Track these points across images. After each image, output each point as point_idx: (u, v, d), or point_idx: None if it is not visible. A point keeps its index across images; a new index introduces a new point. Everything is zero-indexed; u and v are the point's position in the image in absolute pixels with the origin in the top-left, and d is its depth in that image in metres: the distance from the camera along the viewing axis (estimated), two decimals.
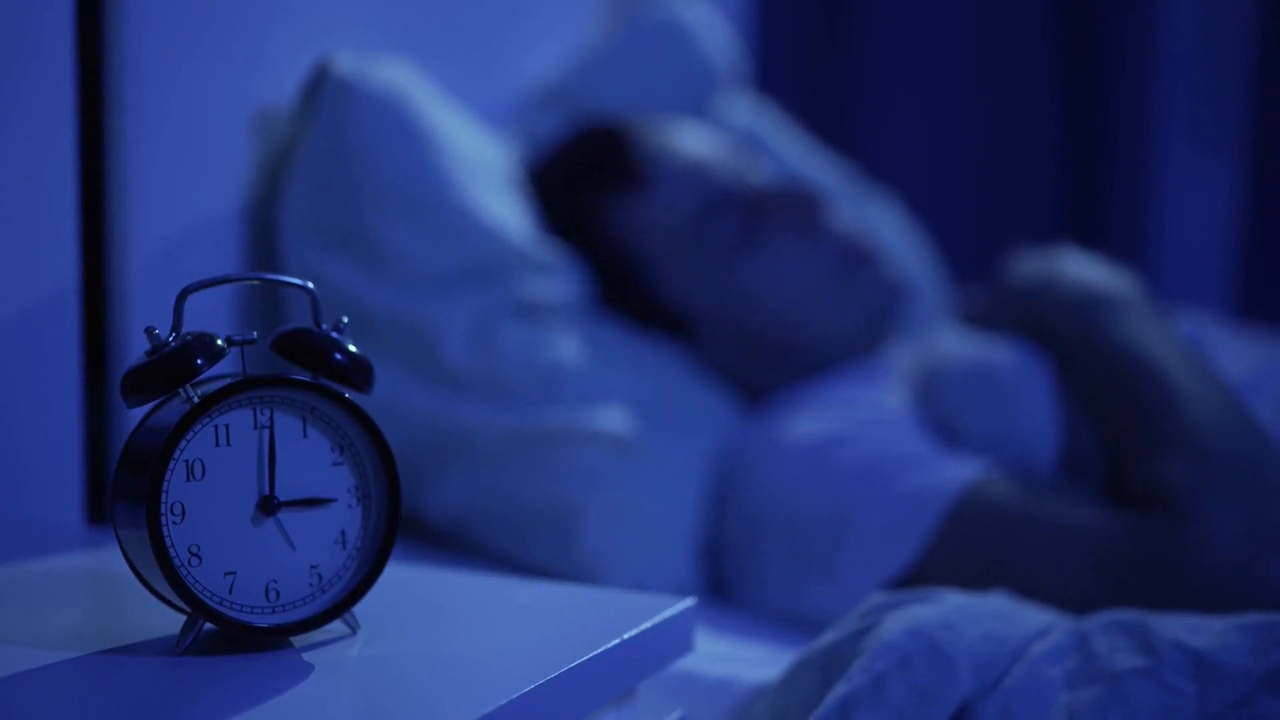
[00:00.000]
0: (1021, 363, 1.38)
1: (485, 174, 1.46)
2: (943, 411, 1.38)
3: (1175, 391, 1.27)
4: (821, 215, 1.52)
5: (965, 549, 1.23)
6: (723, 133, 1.65)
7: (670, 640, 0.88)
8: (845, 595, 1.20)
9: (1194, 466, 1.20)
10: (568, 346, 1.41)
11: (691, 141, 1.55)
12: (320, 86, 1.39)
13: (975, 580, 1.17)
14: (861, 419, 1.37)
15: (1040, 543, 1.21)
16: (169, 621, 0.80)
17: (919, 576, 1.23)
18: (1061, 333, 1.40)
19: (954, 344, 1.45)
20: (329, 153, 1.37)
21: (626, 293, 1.49)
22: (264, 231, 1.37)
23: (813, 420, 1.39)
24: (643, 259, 1.49)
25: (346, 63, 1.39)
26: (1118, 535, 1.19)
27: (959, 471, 1.27)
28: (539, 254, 1.43)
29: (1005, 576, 1.19)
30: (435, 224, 1.39)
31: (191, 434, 0.77)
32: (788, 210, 1.51)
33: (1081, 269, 1.46)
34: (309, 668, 0.77)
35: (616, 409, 1.37)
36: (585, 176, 1.52)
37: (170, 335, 0.79)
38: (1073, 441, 1.34)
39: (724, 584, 1.39)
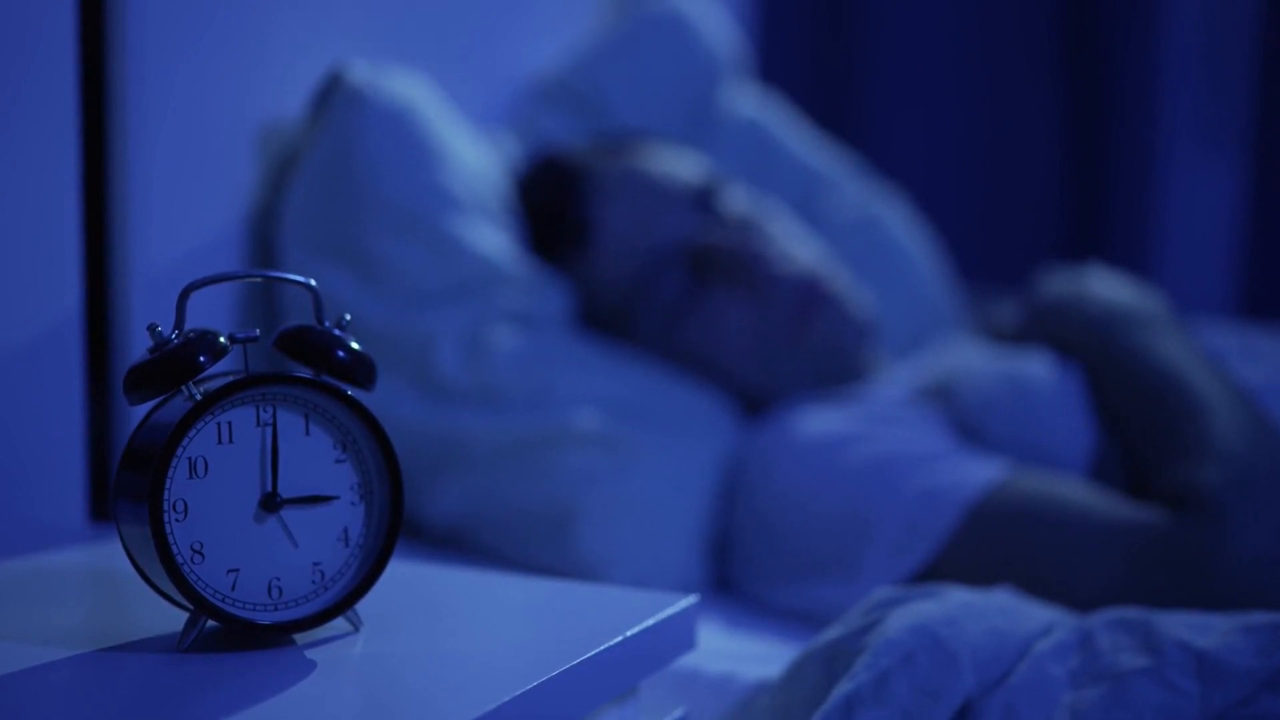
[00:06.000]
0: (1053, 376, 1.38)
1: (486, 194, 1.46)
2: (966, 416, 1.38)
3: (1199, 400, 1.27)
4: (767, 268, 1.48)
5: (989, 544, 1.23)
6: (690, 157, 1.60)
7: (673, 637, 0.87)
8: (865, 592, 1.19)
9: (1222, 470, 1.19)
10: (557, 353, 1.41)
11: (633, 192, 1.50)
12: (332, 94, 1.39)
13: (998, 573, 1.17)
14: (876, 418, 1.37)
15: (1067, 535, 1.21)
16: (171, 619, 0.80)
17: (941, 572, 1.23)
18: (1086, 347, 1.40)
19: (979, 356, 1.46)
20: (333, 163, 1.37)
21: (602, 325, 1.49)
22: (266, 239, 1.37)
23: (827, 419, 1.39)
24: (600, 308, 1.49)
25: (360, 72, 1.40)
26: (1146, 529, 1.19)
27: (984, 469, 1.27)
28: (529, 273, 1.44)
29: (1030, 569, 1.19)
30: (431, 242, 1.39)
31: (194, 431, 0.77)
32: (730, 266, 1.48)
33: (1107, 287, 1.47)
34: (311, 665, 0.77)
35: (603, 412, 1.38)
36: (536, 229, 1.51)
37: (172, 333, 0.79)
38: (1103, 456, 1.34)
39: (731, 580, 1.39)
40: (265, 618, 0.78)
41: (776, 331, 1.48)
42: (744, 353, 1.48)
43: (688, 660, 1.06)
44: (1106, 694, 0.94)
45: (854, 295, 1.53)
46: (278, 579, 0.79)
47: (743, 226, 1.51)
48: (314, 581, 0.80)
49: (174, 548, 0.76)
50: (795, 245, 1.53)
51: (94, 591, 0.95)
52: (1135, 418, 1.32)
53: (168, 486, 0.76)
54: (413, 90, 1.43)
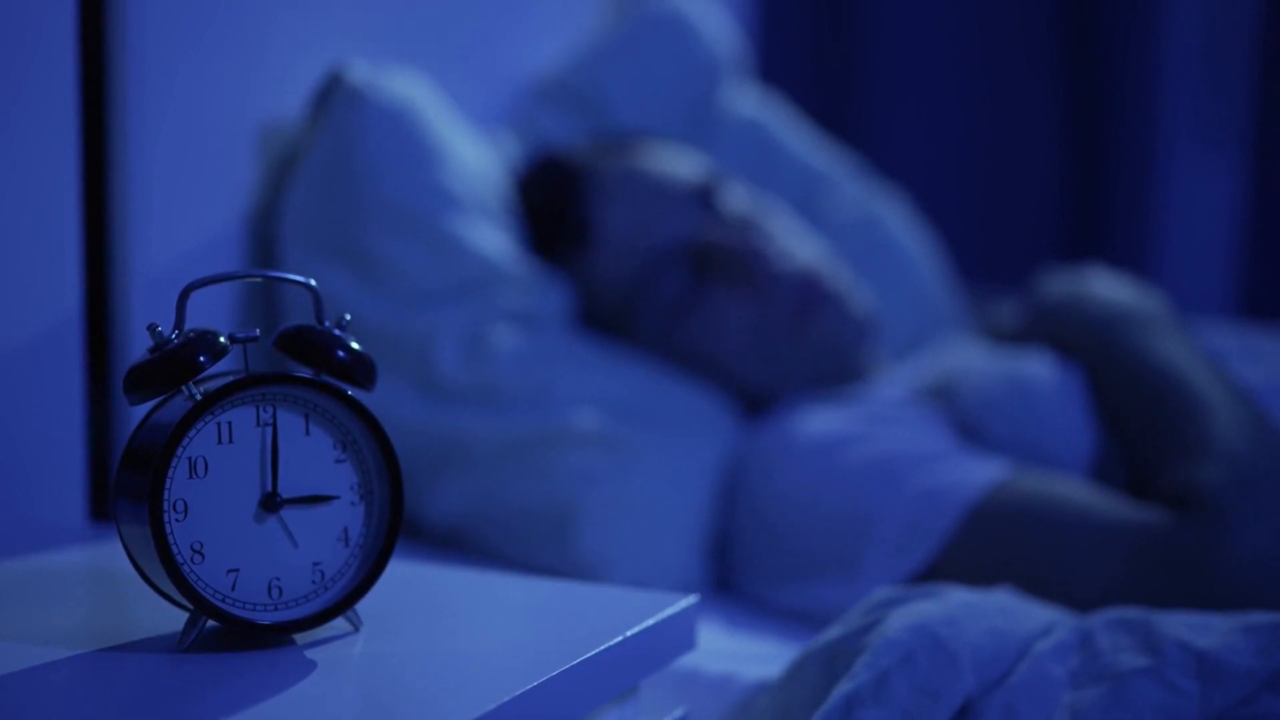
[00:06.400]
0: (1053, 376, 1.38)
1: (486, 194, 1.46)
2: (967, 416, 1.38)
3: (1199, 400, 1.27)
4: (768, 266, 1.48)
5: (990, 544, 1.23)
6: (689, 155, 1.60)
7: (673, 637, 0.87)
8: (865, 592, 1.19)
9: (1223, 470, 1.19)
10: (557, 353, 1.41)
11: (633, 192, 1.50)
12: (331, 94, 1.39)
13: (999, 573, 1.17)
14: (876, 418, 1.37)
15: (1067, 535, 1.21)
16: (171, 619, 0.80)
17: (941, 572, 1.23)
18: (1086, 347, 1.40)
19: (979, 356, 1.46)
20: (333, 162, 1.37)
21: (603, 325, 1.49)
22: (266, 239, 1.37)
23: (827, 419, 1.39)
24: (600, 308, 1.49)
25: (360, 72, 1.39)
26: (1147, 529, 1.19)
27: (984, 469, 1.27)
28: (529, 273, 1.44)
29: (1030, 569, 1.19)
30: (432, 242, 1.39)
31: (194, 431, 0.77)
32: (731, 264, 1.47)
33: (1108, 287, 1.47)
34: (311, 665, 0.77)
35: (603, 412, 1.38)
36: (536, 229, 1.51)
37: (173, 333, 0.79)
38: (1103, 456, 1.34)
39: (732, 580, 1.39)
40: (265, 618, 0.78)
41: (777, 330, 1.48)
42: (744, 351, 1.48)
43: (688, 660, 1.06)
44: (1106, 694, 0.94)
45: (854, 293, 1.53)
46: (278, 579, 0.79)
47: (743, 225, 1.51)
48: (314, 581, 0.80)
49: (174, 548, 0.76)
50: (795, 243, 1.53)
51: (94, 591, 0.95)
52: (1136, 418, 1.32)
53: (168, 486, 0.76)
54: (413, 90, 1.43)
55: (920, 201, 2.01)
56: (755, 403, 1.50)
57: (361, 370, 0.81)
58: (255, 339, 0.80)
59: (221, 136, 1.32)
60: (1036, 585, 1.14)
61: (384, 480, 0.81)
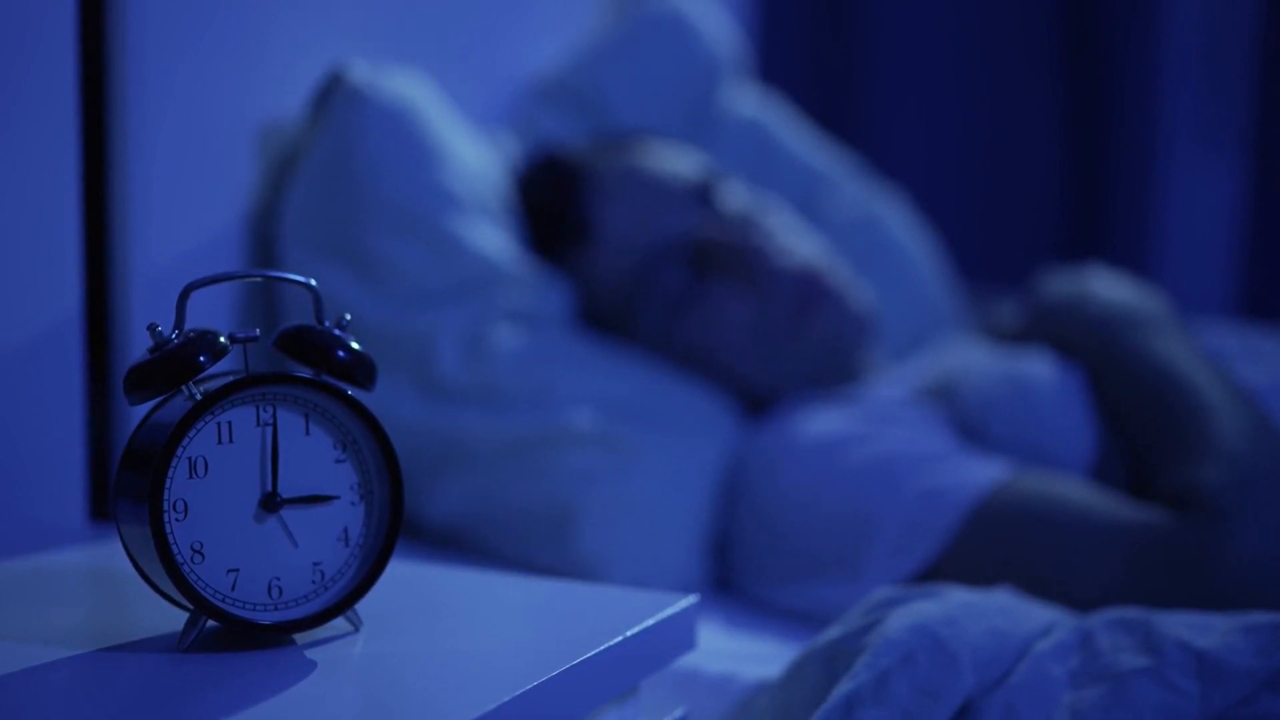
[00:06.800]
0: (1054, 376, 1.38)
1: (486, 194, 1.46)
2: (967, 416, 1.38)
3: (1201, 402, 1.27)
4: (767, 262, 1.48)
5: (990, 544, 1.23)
6: (688, 153, 1.60)
7: (673, 637, 0.87)
8: (866, 592, 1.19)
9: (1224, 470, 1.19)
10: (558, 352, 1.41)
11: (632, 190, 1.50)
12: (332, 93, 1.39)
13: (999, 573, 1.17)
14: (877, 418, 1.37)
15: (1068, 536, 1.21)
16: (171, 619, 0.80)
17: (942, 572, 1.23)
18: (1087, 347, 1.40)
19: (980, 356, 1.46)
20: (334, 162, 1.37)
21: (603, 323, 1.49)
22: (266, 239, 1.38)
23: (828, 419, 1.39)
24: (601, 307, 1.49)
25: (360, 72, 1.40)
26: (1147, 529, 1.19)
27: (985, 470, 1.27)
28: (529, 273, 1.44)
29: (1031, 569, 1.19)
30: (431, 242, 1.39)
31: (194, 431, 0.77)
32: (730, 261, 1.47)
33: (1108, 287, 1.47)
34: (311, 665, 0.77)
35: (604, 411, 1.38)
36: (536, 228, 1.51)
37: (173, 332, 0.79)
38: (1104, 456, 1.34)
39: (732, 580, 1.39)
40: (265, 618, 0.78)
41: (777, 326, 1.48)
42: (745, 347, 1.48)
43: (688, 660, 1.06)
44: (1106, 694, 0.94)
45: (854, 290, 1.53)
46: (278, 579, 0.79)
47: (742, 222, 1.51)
48: (314, 581, 0.80)
49: (174, 548, 0.76)
50: (795, 240, 1.53)
51: (94, 591, 0.95)
52: (1136, 418, 1.32)
53: (168, 486, 0.76)
54: (413, 90, 1.43)
55: (920, 201, 2.01)
56: (756, 402, 1.50)
57: (361, 370, 0.81)
58: (255, 339, 0.80)
59: (221, 136, 1.32)
60: (1036, 585, 1.14)
61: (384, 480, 0.81)
